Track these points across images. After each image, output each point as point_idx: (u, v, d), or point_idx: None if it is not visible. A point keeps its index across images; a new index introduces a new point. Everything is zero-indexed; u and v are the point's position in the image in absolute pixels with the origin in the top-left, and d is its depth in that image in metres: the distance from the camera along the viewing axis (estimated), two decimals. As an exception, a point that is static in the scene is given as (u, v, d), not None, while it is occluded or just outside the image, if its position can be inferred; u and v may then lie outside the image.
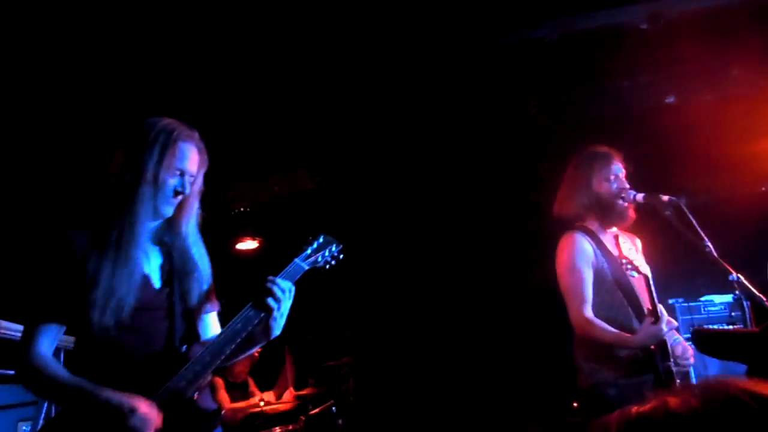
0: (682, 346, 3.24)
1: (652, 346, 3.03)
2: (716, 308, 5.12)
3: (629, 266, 3.12)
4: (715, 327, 4.98)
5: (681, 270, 5.21)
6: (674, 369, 3.02)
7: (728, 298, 5.00)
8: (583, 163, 3.44)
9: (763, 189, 4.42)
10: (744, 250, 3.92)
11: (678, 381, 3.06)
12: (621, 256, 3.25)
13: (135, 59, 4.32)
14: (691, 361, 3.25)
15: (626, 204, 3.32)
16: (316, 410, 5.26)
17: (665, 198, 3.35)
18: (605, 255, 3.26)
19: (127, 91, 4.57)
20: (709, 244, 3.23)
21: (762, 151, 4.76)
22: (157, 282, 2.13)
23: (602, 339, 3.10)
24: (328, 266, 2.31)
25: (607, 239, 3.36)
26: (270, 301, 2.05)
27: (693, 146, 4.76)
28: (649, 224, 4.19)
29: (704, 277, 4.47)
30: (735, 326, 5.02)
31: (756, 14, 4.05)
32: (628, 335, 3.07)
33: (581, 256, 3.25)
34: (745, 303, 4.61)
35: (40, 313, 1.98)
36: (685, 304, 5.22)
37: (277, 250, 6.36)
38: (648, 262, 3.34)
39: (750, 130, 4.59)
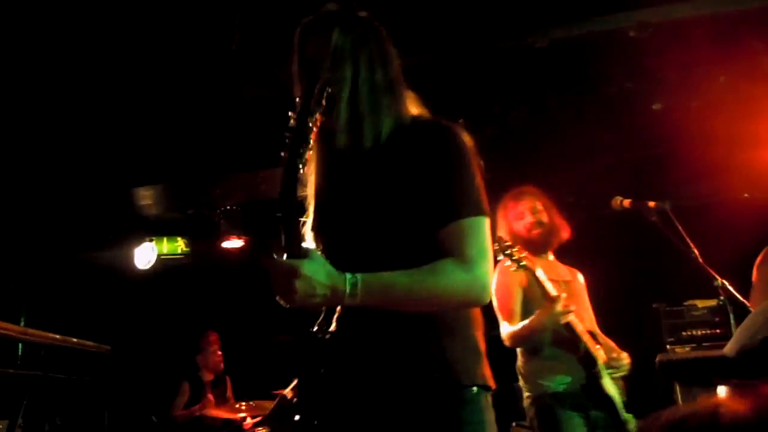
0: (615, 352, 3.43)
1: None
2: (699, 313, 5.18)
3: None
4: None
5: (665, 274, 5.27)
6: (599, 376, 3.24)
7: (712, 303, 5.05)
8: (501, 204, 3.63)
9: (746, 196, 4.48)
10: (727, 256, 3.97)
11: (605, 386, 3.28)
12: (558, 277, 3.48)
13: (122, 54, 4.30)
14: (626, 362, 3.37)
15: (538, 231, 3.51)
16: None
17: (651, 204, 3.42)
18: (534, 276, 3.35)
19: (114, 86, 4.55)
20: (695, 249, 3.29)
21: (746, 159, 4.83)
22: None
23: (520, 335, 3.30)
24: None
25: (543, 263, 3.48)
26: None
27: (678, 153, 4.82)
28: (633, 229, 4.24)
29: (688, 282, 4.52)
30: (715, 330, 5.07)
31: (742, 23, 4.11)
32: (529, 319, 3.28)
33: (512, 281, 3.43)
34: (729, 308, 4.66)
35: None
36: (669, 309, 5.28)
37: (262, 248, 6.36)
38: (632, 267, 3.44)
39: (735, 137, 4.65)
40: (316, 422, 1.59)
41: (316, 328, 1.63)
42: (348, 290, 1.52)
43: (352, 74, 1.69)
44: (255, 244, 6.40)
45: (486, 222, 1.64)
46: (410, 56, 1.94)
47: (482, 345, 1.69)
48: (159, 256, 6.43)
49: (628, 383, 3.49)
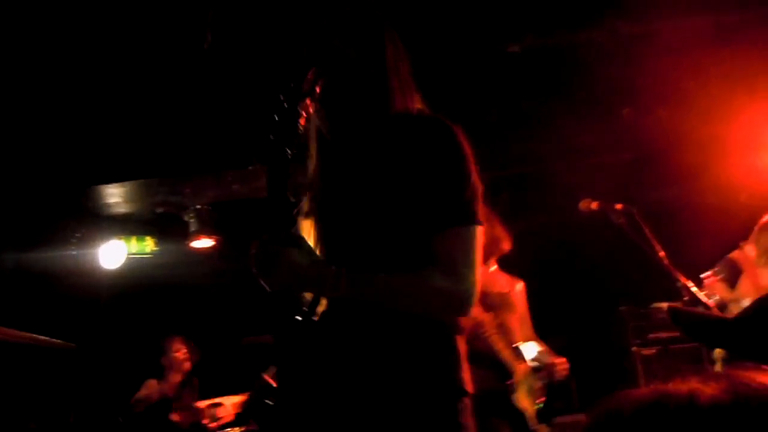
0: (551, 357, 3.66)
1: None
2: (665, 315, 5.25)
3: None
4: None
5: (632, 277, 5.35)
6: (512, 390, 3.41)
7: (679, 304, 5.13)
8: None
9: (714, 200, 4.59)
10: (694, 259, 4.06)
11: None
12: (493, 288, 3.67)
13: (93, 50, 4.25)
14: (560, 368, 3.50)
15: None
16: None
17: (619, 206, 3.48)
18: None
19: (85, 81, 4.50)
20: (660, 251, 3.35)
21: (714, 164, 4.92)
22: None
23: None
24: None
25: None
26: None
27: (647, 158, 4.90)
28: (601, 232, 4.30)
29: (655, 285, 4.60)
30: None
31: (713, 31, 4.20)
32: None
33: None
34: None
35: None
36: (635, 311, 5.37)
37: (233, 248, 6.33)
38: (598, 272, 3.54)
39: (703, 143, 4.75)
40: (300, 411, 1.59)
41: (300, 317, 1.60)
42: (331, 283, 1.52)
43: (360, 62, 1.66)
44: (227, 243, 6.36)
45: (480, 231, 1.62)
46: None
47: (464, 350, 1.70)
48: (127, 255, 6.35)
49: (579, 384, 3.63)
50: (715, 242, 4.35)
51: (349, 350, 1.61)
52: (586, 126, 4.80)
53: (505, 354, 3.40)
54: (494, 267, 3.74)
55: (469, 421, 1.62)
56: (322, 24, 1.68)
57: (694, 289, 3.21)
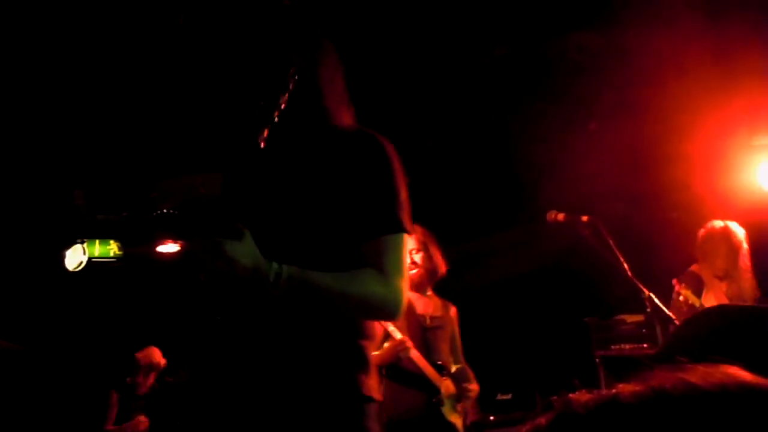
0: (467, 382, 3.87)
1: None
2: (628, 327, 5.35)
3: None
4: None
5: (596, 289, 5.42)
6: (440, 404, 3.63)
7: (640, 317, 5.22)
8: None
9: (677, 214, 4.69)
10: (654, 272, 4.13)
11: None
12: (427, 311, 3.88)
13: (60, 52, 4.20)
14: (471, 392, 3.86)
15: (414, 272, 3.79)
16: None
17: (585, 218, 3.52)
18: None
19: (54, 83, 4.44)
20: (624, 263, 3.40)
21: (677, 178, 5.02)
22: None
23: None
24: None
25: (417, 297, 3.88)
26: None
27: (607, 173, 4.98)
28: (567, 244, 4.36)
29: (618, 297, 4.67)
30: (642, 345, 5.26)
31: (676, 49, 4.29)
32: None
33: None
34: (655, 321, 4.84)
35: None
36: (599, 323, 5.44)
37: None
38: (564, 282, 3.62)
39: (668, 158, 4.84)
40: (205, 411, 1.61)
41: (219, 317, 1.62)
42: (272, 279, 1.52)
43: (307, 72, 1.69)
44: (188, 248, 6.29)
45: (407, 239, 1.68)
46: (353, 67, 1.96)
47: (371, 357, 1.71)
48: (90, 258, 6.25)
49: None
50: (678, 256, 4.44)
51: (255, 353, 1.61)
52: (554, 139, 4.87)
53: (428, 371, 3.61)
54: (430, 292, 3.96)
55: (373, 426, 1.64)
56: (257, 35, 1.70)
57: (657, 301, 3.26)
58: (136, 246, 6.41)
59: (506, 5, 4.24)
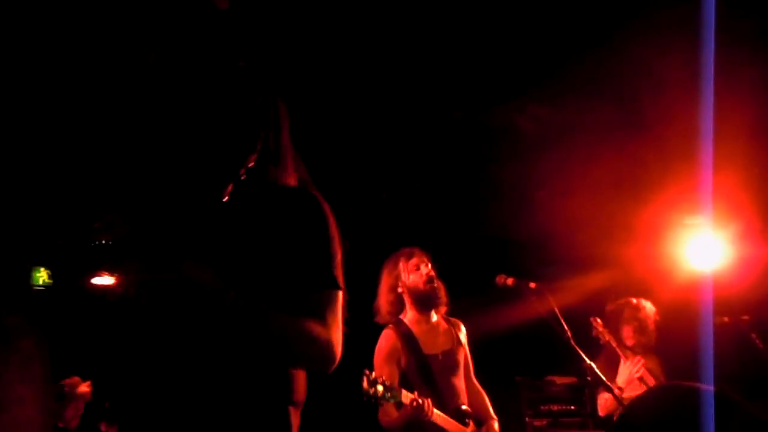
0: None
1: None
2: (557, 389, 5.52)
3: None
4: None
5: (530, 349, 5.57)
6: None
7: (570, 380, 5.39)
8: (391, 262, 3.80)
9: (619, 284, 4.93)
10: (590, 342, 4.34)
11: None
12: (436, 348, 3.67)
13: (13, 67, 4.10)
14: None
15: (432, 285, 3.69)
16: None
17: (533, 285, 3.65)
18: (412, 352, 3.59)
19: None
20: (567, 330, 3.54)
21: (620, 249, 5.27)
22: None
23: (390, 420, 3.44)
24: None
25: (426, 329, 3.69)
26: None
27: (554, 239, 5.18)
28: (507, 305, 4.48)
29: (551, 359, 4.82)
30: (570, 407, 5.44)
31: (622, 119, 4.52)
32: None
33: (388, 354, 3.58)
34: (587, 389, 5.04)
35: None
36: (530, 383, 5.59)
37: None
38: (498, 341, 3.69)
39: (611, 228, 5.07)
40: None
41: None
42: (228, 305, 1.59)
43: (273, 135, 1.79)
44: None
45: (341, 296, 1.76)
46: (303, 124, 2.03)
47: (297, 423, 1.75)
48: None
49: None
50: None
51: (194, 380, 1.64)
52: (501, 206, 5.03)
53: (451, 427, 3.43)
54: (435, 317, 3.79)
55: None
56: (206, 88, 1.75)
57: (597, 370, 3.40)
58: (69, 276, 6.21)
59: (462, 74, 4.39)
